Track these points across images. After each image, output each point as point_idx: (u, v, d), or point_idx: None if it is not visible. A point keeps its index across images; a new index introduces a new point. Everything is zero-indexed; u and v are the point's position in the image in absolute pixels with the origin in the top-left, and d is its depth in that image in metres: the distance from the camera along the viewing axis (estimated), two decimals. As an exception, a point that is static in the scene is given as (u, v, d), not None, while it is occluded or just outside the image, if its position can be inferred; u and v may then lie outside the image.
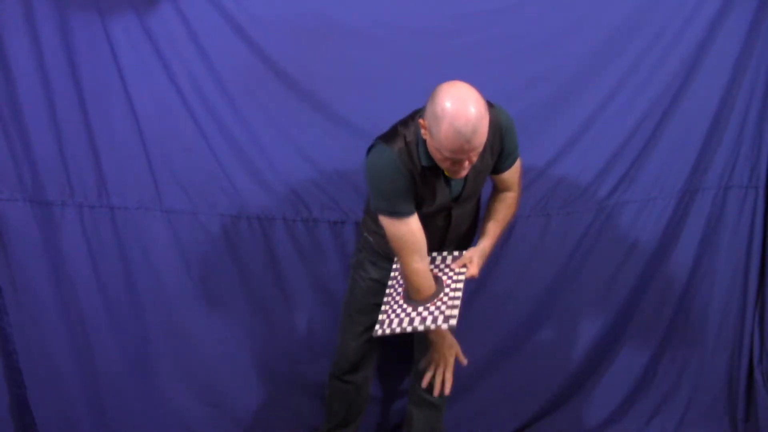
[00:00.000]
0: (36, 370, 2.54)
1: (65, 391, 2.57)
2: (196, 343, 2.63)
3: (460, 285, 2.08)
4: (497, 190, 2.25)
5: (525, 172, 2.60)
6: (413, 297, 2.10)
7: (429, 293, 2.08)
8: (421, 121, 1.91)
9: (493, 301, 2.70)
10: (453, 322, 1.97)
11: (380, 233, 2.22)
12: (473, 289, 2.63)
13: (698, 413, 2.79)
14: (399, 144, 1.97)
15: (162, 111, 2.45)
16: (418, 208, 2.06)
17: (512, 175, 2.19)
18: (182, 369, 2.65)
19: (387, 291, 2.16)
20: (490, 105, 1.98)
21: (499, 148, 2.09)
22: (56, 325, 2.53)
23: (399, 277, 2.17)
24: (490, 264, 2.64)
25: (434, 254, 2.18)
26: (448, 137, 1.80)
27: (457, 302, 2.02)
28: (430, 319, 1.99)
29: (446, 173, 2.00)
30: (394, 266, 2.22)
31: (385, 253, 2.27)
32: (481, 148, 1.86)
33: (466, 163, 1.89)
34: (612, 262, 2.70)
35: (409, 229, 2.03)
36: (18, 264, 2.46)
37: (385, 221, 2.04)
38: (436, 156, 1.90)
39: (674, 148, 2.63)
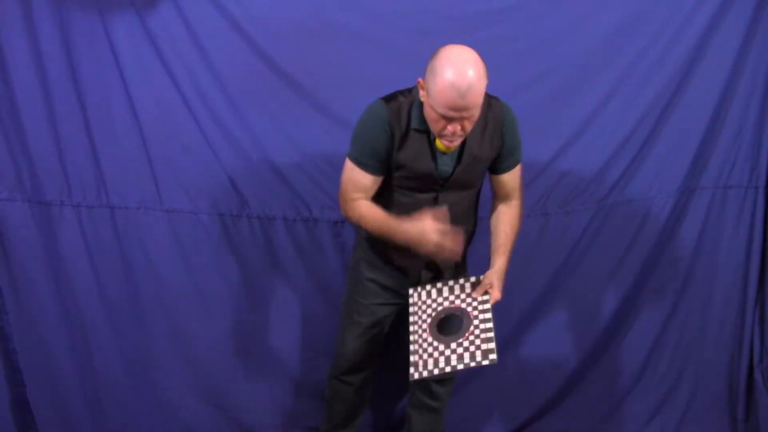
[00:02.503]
0: (36, 369, 2.54)
1: (65, 390, 2.57)
2: (195, 342, 2.63)
3: (489, 315, 2.05)
4: (498, 199, 2.22)
5: (524, 170, 2.61)
6: (362, 221, 2.04)
7: (370, 210, 2.03)
8: (419, 80, 1.92)
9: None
10: (493, 356, 1.95)
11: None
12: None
13: (698, 413, 2.79)
14: (394, 103, 2.00)
15: (162, 110, 2.46)
16: (397, 171, 2.04)
17: (513, 178, 2.17)
18: (182, 368, 2.64)
19: (411, 328, 2.10)
20: (497, 99, 2.02)
21: (500, 143, 2.08)
22: (56, 325, 2.52)
23: (419, 311, 2.13)
24: (489, 262, 2.65)
25: (451, 283, 2.15)
26: (443, 91, 1.81)
27: (491, 334, 1.99)
28: (467, 356, 1.96)
29: (438, 144, 1.98)
30: (411, 293, 2.17)
31: (381, 253, 2.25)
32: (474, 112, 1.86)
33: (459, 129, 1.89)
34: (611, 261, 2.70)
35: (363, 181, 2.04)
36: (18, 264, 2.46)
37: (348, 164, 2.06)
38: (431, 116, 1.90)
39: (672, 147, 2.64)
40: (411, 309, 2.15)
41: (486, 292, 2.10)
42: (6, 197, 2.44)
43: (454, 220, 2.14)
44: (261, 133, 2.51)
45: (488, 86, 2.51)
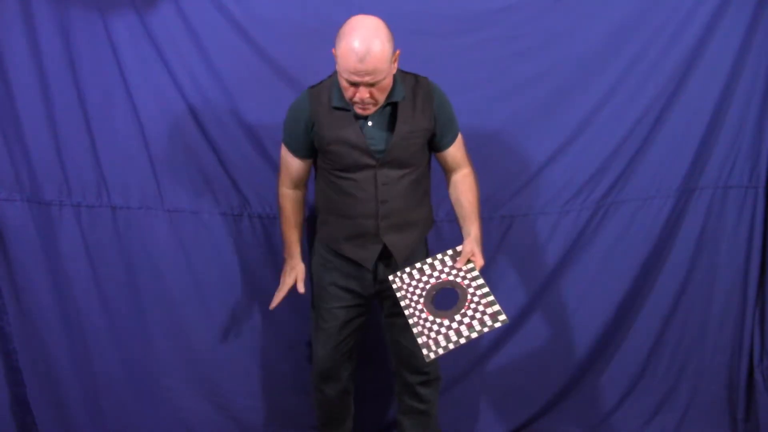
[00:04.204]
0: (36, 369, 2.53)
1: (65, 390, 2.57)
2: (195, 342, 2.63)
3: (481, 281, 2.05)
4: (450, 173, 2.24)
5: (522, 170, 2.62)
6: (280, 217, 2.19)
7: (288, 216, 2.23)
8: (333, 50, 1.99)
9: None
10: (503, 317, 1.95)
11: (329, 223, 2.22)
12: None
13: (698, 413, 2.78)
14: (317, 88, 2.13)
15: (163, 110, 2.47)
16: (328, 150, 2.09)
17: (457, 150, 2.20)
18: (182, 368, 2.64)
19: (407, 312, 2.08)
20: (424, 77, 2.12)
21: (432, 115, 2.11)
22: (56, 325, 2.52)
23: (408, 294, 2.11)
24: (488, 261, 2.63)
25: (429, 260, 2.15)
26: (344, 56, 1.92)
27: (491, 297, 1.99)
28: (477, 323, 1.96)
29: (355, 110, 2.03)
30: (392, 279, 2.15)
31: (335, 248, 2.23)
32: (379, 77, 1.93)
33: (367, 95, 1.95)
34: (610, 261, 2.70)
35: (290, 163, 2.20)
36: (17, 263, 2.46)
37: (281, 149, 2.21)
38: (342, 84, 1.98)
39: (671, 147, 2.64)
40: (398, 294, 2.12)
41: (469, 261, 2.10)
42: (5, 197, 2.44)
43: (397, 201, 2.14)
44: (261, 132, 2.52)
45: (488, 86, 2.53)
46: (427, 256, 2.27)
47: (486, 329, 1.95)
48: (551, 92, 2.57)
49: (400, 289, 2.13)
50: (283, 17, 2.44)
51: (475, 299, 2.00)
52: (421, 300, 2.08)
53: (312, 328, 2.36)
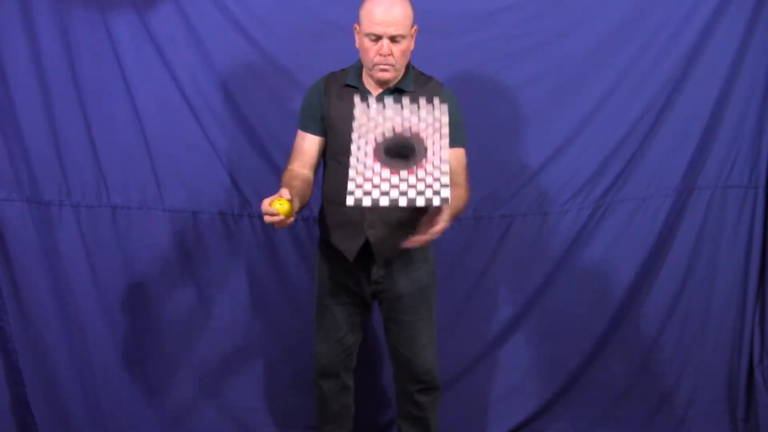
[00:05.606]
0: (36, 369, 2.53)
1: (65, 390, 2.56)
2: (196, 342, 2.63)
3: (446, 167, 1.77)
4: None
5: (522, 169, 2.62)
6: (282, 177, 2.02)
7: (290, 174, 2.05)
8: (355, 25, 2.04)
9: (488, 298, 2.70)
10: (446, 194, 1.71)
11: (325, 212, 2.20)
12: (469, 286, 2.65)
13: (698, 413, 2.78)
14: (335, 72, 2.16)
15: (163, 110, 2.48)
16: (331, 132, 2.11)
17: (455, 159, 2.03)
18: (182, 368, 2.65)
19: (352, 147, 1.82)
20: (440, 82, 2.12)
21: None
22: (55, 325, 2.52)
23: (365, 129, 1.85)
24: (487, 261, 2.67)
25: (407, 102, 1.88)
26: (369, 9, 1.97)
27: (446, 178, 1.74)
28: (414, 193, 1.71)
29: (376, 75, 2.04)
30: (357, 102, 1.90)
31: (327, 237, 2.21)
32: (401, 31, 1.97)
33: (388, 51, 1.97)
34: (608, 260, 2.70)
35: (301, 144, 2.16)
36: (17, 263, 2.46)
37: (297, 136, 2.19)
38: (363, 47, 2.01)
39: (670, 146, 2.64)
40: (354, 124, 1.86)
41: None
42: (5, 197, 2.44)
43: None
44: (262, 132, 2.52)
45: (487, 86, 2.52)
46: (428, 262, 2.23)
47: (423, 204, 1.71)
48: (551, 92, 2.57)
49: (361, 118, 1.87)
50: (283, 17, 2.45)
51: (429, 169, 1.76)
52: (375, 140, 1.84)
53: (314, 325, 2.37)
